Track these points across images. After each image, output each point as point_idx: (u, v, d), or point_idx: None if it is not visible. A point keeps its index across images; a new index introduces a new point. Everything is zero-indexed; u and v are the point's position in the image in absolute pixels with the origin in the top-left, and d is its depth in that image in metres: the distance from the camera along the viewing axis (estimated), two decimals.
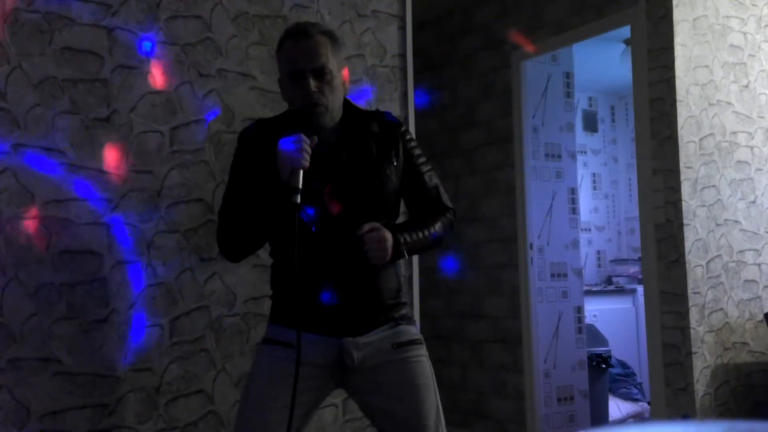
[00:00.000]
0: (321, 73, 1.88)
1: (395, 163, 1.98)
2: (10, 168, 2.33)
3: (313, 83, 1.87)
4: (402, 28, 3.20)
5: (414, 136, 3.13)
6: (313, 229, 1.85)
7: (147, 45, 2.54)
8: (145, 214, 2.55)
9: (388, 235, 1.86)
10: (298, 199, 1.77)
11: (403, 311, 1.99)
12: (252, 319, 2.73)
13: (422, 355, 1.98)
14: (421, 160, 2.05)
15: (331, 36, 1.94)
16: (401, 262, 2.04)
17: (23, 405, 2.29)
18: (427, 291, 4.31)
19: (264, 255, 2.74)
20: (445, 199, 2.07)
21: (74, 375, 2.38)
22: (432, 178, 2.06)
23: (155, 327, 2.53)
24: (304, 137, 1.80)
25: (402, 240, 1.89)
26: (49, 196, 2.38)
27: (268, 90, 2.81)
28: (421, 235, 1.95)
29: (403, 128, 2.05)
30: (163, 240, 2.57)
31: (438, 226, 2.00)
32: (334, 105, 1.93)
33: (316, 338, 1.87)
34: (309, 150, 1.80)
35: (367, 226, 1.85)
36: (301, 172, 1.78)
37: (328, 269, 1.89)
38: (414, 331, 2.00)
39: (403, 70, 3.18)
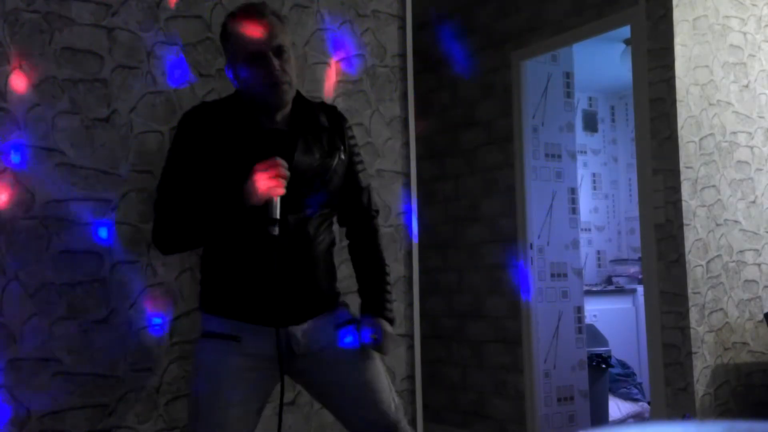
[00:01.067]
0: (280, 52, 1.86)
1: (342, 158, 1.98)
2: (10, 168, 2.33)
3: (276, 62, 1.84)
4: (402, 28, 3.20)
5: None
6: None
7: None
8: (145, 214, 2.55)
9: (389, 329, 2.00)
10: (276, 231, 1.75)
11: (339, 299, 2.06)
12: None
13: None
14: (359, 158, 2.07)
15: (280, 17, 1.92)
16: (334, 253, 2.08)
17: (23, 405, 2.29)
18: (427, 291, 4.31)
19: None
20: (373, 201, 2.13)
21: (74, 375, 2.38)
22: (365, 178, 2.09)
23: (155, 327, 2.53)
24: (281, 161, 1.77)
25: (393, 318, 2.03)
26: (49, 196, 2.38)
27: None
28: (390, 289, 2.08)
29: (347, 123, 2.06)
30: None
31: (383, 256, 2.10)
32: (294, 85, 1.91)
33: (260, 329, 1.85)
34: (286, 174, 1.77)
35: (377, 338, 1.96)
36: (278, 198, 1.76)
37: (271, 261, 1.85)
38: (351, 312, 2.06)
39: (403, 70, 3.18)
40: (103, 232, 2.47)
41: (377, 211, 2.15)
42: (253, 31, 1.85)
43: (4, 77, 2.34)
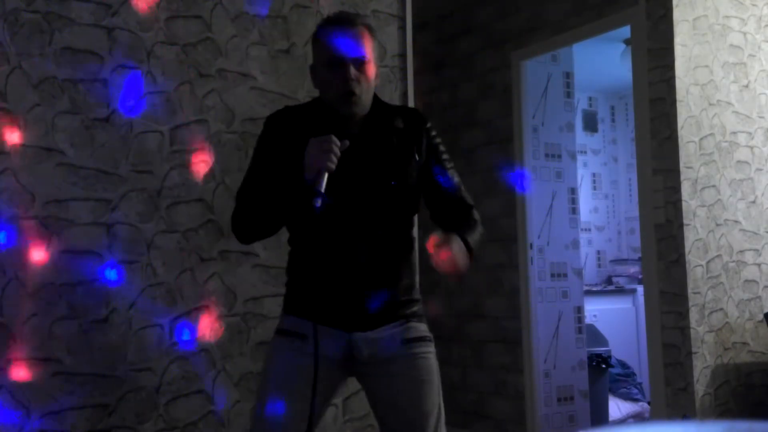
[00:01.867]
0: (361, 63, 1.89)
1: (417, 159, 1.98)
2: (10, 168, 2.33)
3: (353, 72, 1.87)
4: (402, 28, 3.20)
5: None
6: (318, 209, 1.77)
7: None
8: (145, 214, 2.55)
9: (459, 243, 1.83)
10: (319, 203, 1.76)
11: (415, 308, 2.01)
12: (252, 319, 2.72)
13: (430, 352, 2.00)
14: (445, 157, 2.06)
15: (370, 29, 1.96)
16: (415, 257, 2.04)
17: (23, 405, 2.29)
18: (427, 291, 4.30)
19: (264, 255, 2.74)
20: (468, 197, 2.08)
21: (74, 375, 2.38)
22: (454, 176, 2.06)
23: (155, 327, 2.53)
24: (334, 139, 1.79)
25: (470, 241, 1.89)
26: (49, 196, 2.39)
27: (268, 90, 2.81)
28: (477, 237, 1.97)
29: (428, 125, 2.05)
30: (163, 240, 2.57)
31: (477, 225, 2.03)
32: (367, 96, 1.94)
33: (329, 331, 1.86)
34: (338, 152, 1.79)
35: (442, 239, 1.79)
36: (326, 174, 1.77)
37: (347, 262, 1.89)
38: (424, 328, 2.01)
39: (403, 70, 3.18)
40: (103, 232, 2.47)
41: (473, 206, 2.09)
42: (339, 37, 1.89)
43: (4, 77, 2.34)
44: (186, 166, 2.63)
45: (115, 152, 2.51)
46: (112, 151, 2.51)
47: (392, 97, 3.13)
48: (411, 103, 3.19)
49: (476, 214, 2.07)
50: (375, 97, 2.02)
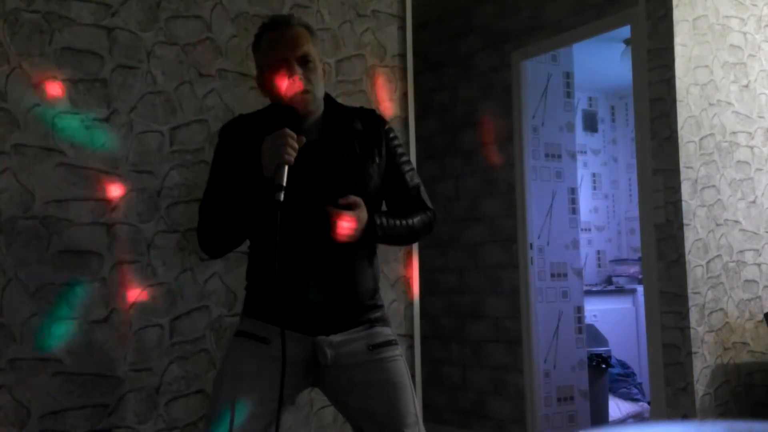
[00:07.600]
0: (305, 61, 1.89)
1: (378, 161, 1.96)
2: (10, 168, 2.33)
3: (299, 70, 1.87)
4: (402, 28, 3.20)
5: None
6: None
7: None
8: (145, 214, 2.55)
9: (364, 215, 1.83)
10: (282, 197, 1.74)
11: (379, 314, 1.98)
12: None
13: (398, 355, 1.97)
14: (404, 159, 2.05)
15: (308, 28, 1.95)
16: (378, 262, 2.02)
17: (23, 405, 2.29)
18: (427, 291, 4.30)
19: None
20: (426, 199, 2.06)
21: (74, 375, 2.38)
22: (413, 178, 2.05)
23: (155, 327, 2.53)
24: (289, 132, 1.78)
25: (378, 222, 1.87)
26: (49, 196, 2.39)
27: None
28: (398, 223, 1.93)
29: (387, 126, 2.04)
30: (163, 240, 2.57)
31: (417, 221, 1.99)
32: (319, 95, 1.94)
33: (291, 334, 1.83)
34: (295, 145, 1.78)
35: (351, 198, 1.83)
36: (286, 167, 1.76)
37: (307, 266, 1.87)
38: (389, 332, 1.99)
39: (403, 70, 3.18)
40: (103, 232, 2.47)
41: (433, 212, 2.06)
42: (279, 39, 1.90)
43: (4, 77, 2.34)
44: (186, 166, 2.64)
45: (115, 152, 2.51)
46: (112, 151, 2.51)
47: (392, 97, 3.13)
48: (411, 103, 3.19)
49: (429, 216, 2.04)
50: (330, 98, 2.01)
